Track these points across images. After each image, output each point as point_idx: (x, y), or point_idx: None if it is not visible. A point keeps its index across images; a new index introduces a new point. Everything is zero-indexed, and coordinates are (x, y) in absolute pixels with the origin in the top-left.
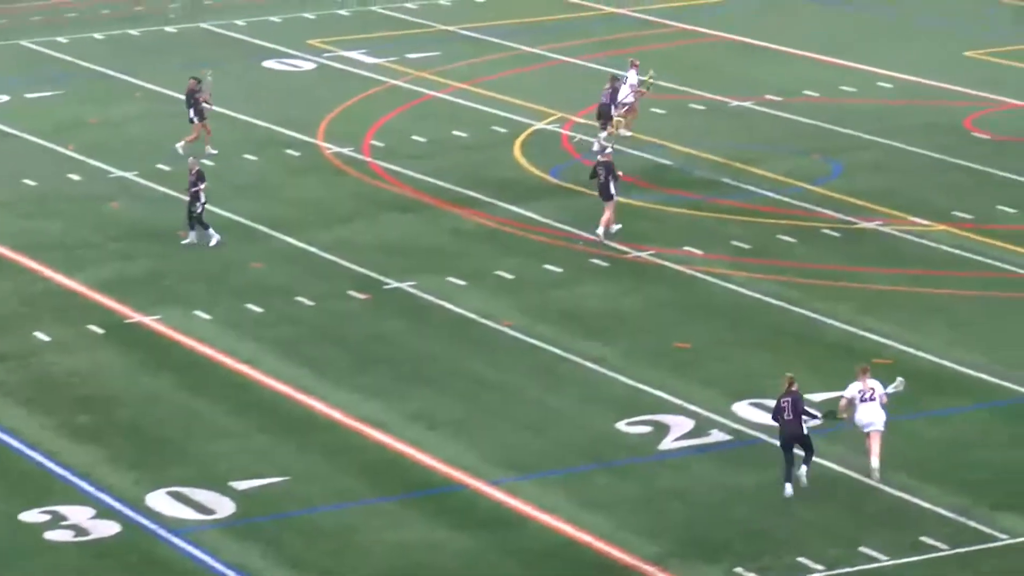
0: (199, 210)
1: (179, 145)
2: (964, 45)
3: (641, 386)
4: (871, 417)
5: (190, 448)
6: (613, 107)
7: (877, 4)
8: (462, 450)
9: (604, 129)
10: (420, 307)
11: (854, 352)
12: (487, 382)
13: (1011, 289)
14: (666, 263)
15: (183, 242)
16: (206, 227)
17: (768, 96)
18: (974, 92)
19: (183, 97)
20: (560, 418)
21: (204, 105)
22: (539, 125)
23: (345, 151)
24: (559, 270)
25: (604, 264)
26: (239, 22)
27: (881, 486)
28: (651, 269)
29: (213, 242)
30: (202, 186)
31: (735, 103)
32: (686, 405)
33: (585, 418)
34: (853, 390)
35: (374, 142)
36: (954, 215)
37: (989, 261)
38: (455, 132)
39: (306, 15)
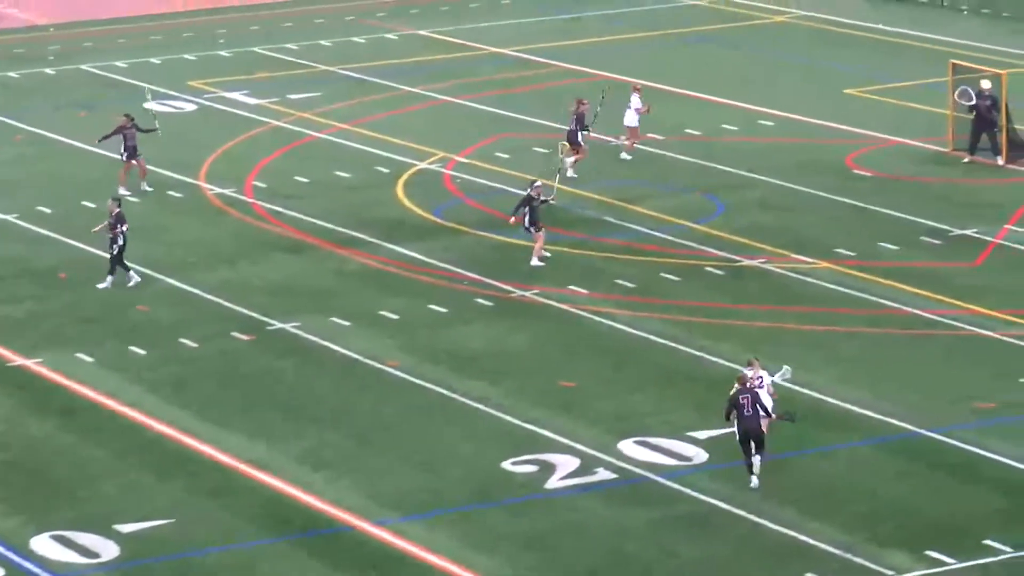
0: (115, 251)
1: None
2: (843, 83)
3: (527, 425)
4: None
5: (74, 491)
6: (579, 132)
7: (756, 43)
8: (348, 491)
9: (574, 154)
10: (305, 348)
11: None
12: (373, 422)
13: (894, 325)
14: (551, 302)
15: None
16: (112, 270)
17: (650, 135)
18: (854, 130)
19: (64, 139)
20: (446, 458)
21: (155, 127)
22: (422, 165)
23: (227, 192)
24: (444, 310)
25: (489, 304)
26: (120, 63)
27: (767, 523)
28: (536, 308)
29: (102, 285)
30: (121, 228)
31: (617, 142)
32: (572, 444)
33: (471, 457)
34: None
35: (256, 183)
36: (837, 252)
37: (872, 298)
38: (338, 172)
39: (187, 56)
